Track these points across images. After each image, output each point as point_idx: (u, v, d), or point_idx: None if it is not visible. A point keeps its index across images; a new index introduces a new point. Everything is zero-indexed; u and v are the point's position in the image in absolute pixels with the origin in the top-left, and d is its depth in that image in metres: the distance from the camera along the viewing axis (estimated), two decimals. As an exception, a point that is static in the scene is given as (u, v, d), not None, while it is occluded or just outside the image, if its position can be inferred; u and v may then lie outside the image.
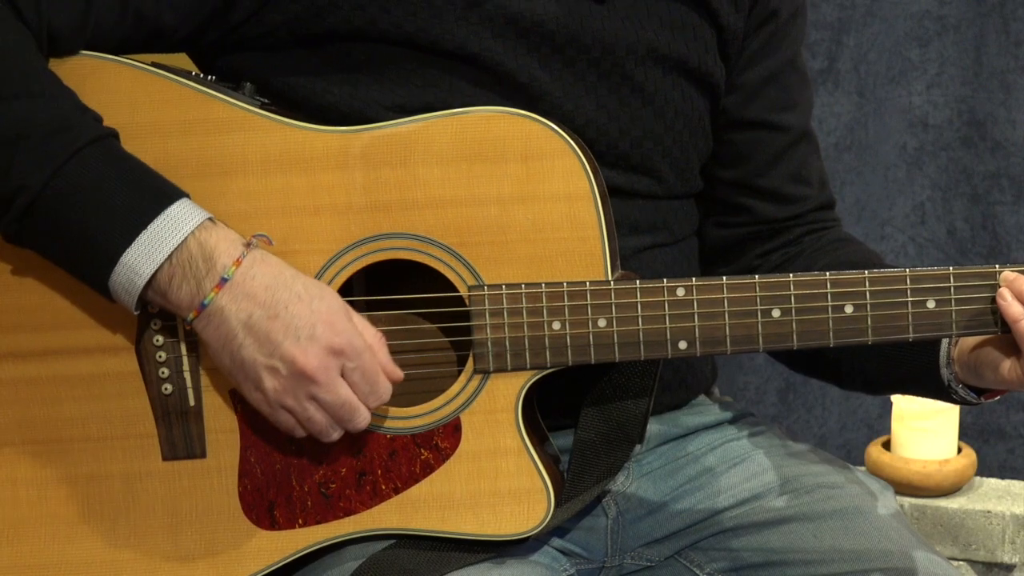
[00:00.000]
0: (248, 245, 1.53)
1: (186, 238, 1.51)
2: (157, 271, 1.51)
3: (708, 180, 1.83)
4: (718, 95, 1.78)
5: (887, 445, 2.72)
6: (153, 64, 1.60)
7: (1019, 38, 2.73)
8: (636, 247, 1.72)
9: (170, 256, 1.50)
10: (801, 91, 1.85)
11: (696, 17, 1.73)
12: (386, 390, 1.56)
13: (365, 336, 1.54)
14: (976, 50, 2.76)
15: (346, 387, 1.54)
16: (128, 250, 1.50)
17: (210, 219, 1.52)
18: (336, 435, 1.57)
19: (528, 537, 1.61)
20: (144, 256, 1.50)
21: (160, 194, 1.52)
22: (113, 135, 1.54)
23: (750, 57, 1.79)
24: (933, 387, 1.69)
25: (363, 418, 1.55)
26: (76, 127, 1.52)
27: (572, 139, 1.58)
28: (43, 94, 1.52)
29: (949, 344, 1.66)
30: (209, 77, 1.63)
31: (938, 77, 2.79)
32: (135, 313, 1.54)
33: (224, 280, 1.51)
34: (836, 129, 2.78)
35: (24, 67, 1.53)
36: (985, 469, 2.82)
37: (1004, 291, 1.57)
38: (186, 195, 1.53)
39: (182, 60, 1.69)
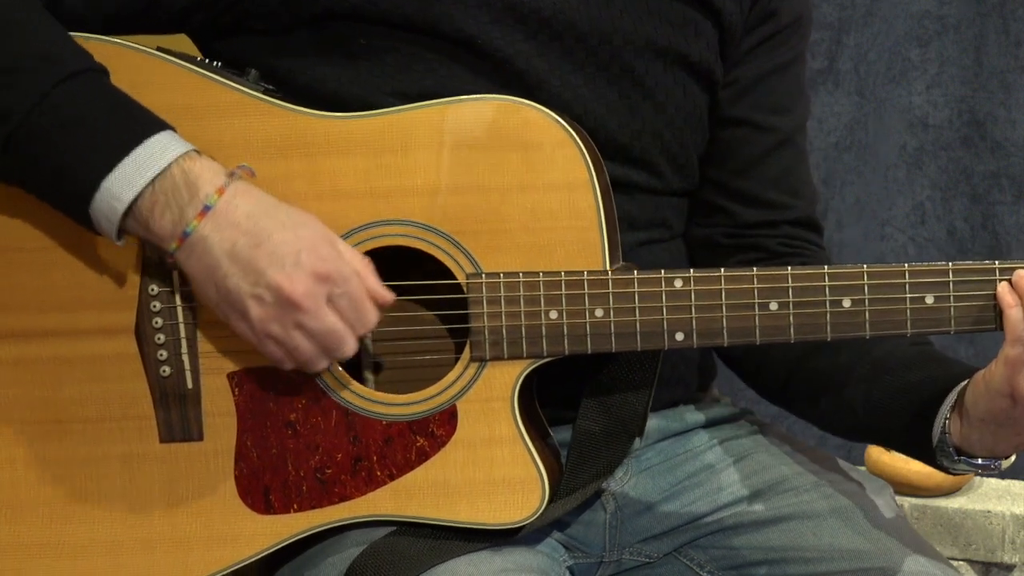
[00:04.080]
0: (231, 175, 1.53)
1: (169, 165, 1.50)
2: (138, 197, 1.50)
3: None
4: (717, 91, 1.76)
5: (886, 445, 2.71)
6: (158, 48, 1.61)
7: (1019, 38, 2.73)
8: (633, 242, 1.71)
9: (152, 182, 1.50)
10: (794, 99, 1.81)
11: (698, 13, 1.72)
12: (373, 316, 1.54)
13: (351, 262, 1.53)
14: (976, 50, 2.76)
15: (333, 315, 1.52)
16: (109, 175, 1.50)
17: (195, 150, 1.52)
18: (323, 364, 1.55)
19: (523, 527, 1.61)
20: (125, 182, 1.50)
21: (146, 123, 1.52)
22: (103, 70, 1.55)
23: (744, 54, 1.77)
24: (920, 437, 1.65)
25: (350, 347, 1.54)
26: (65, 58, 1.52)
27: (572, 128, 1.58)
28: (35, 28, 1.53)
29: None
30: (215, 63, 1.64)
31: (938, 77, 2.79)
32: (118, 244, 1.54)
33: (207, 208, 1.50)
34: (836, 129, 2.78)
35: (16, 4, 1.54)
36: (985, 469, 2.81)
37: (1004, 288, 1.55)
38: (172, 127, 1.53)
39: (186, 45, 1.69)
